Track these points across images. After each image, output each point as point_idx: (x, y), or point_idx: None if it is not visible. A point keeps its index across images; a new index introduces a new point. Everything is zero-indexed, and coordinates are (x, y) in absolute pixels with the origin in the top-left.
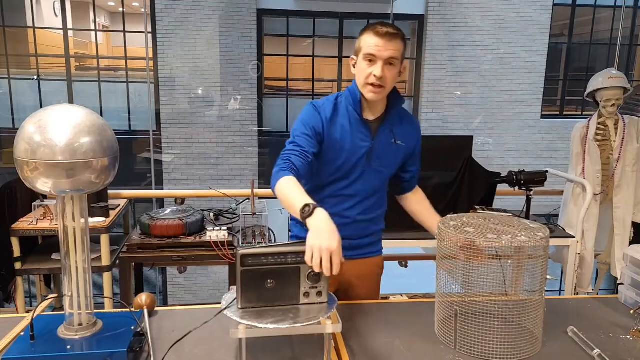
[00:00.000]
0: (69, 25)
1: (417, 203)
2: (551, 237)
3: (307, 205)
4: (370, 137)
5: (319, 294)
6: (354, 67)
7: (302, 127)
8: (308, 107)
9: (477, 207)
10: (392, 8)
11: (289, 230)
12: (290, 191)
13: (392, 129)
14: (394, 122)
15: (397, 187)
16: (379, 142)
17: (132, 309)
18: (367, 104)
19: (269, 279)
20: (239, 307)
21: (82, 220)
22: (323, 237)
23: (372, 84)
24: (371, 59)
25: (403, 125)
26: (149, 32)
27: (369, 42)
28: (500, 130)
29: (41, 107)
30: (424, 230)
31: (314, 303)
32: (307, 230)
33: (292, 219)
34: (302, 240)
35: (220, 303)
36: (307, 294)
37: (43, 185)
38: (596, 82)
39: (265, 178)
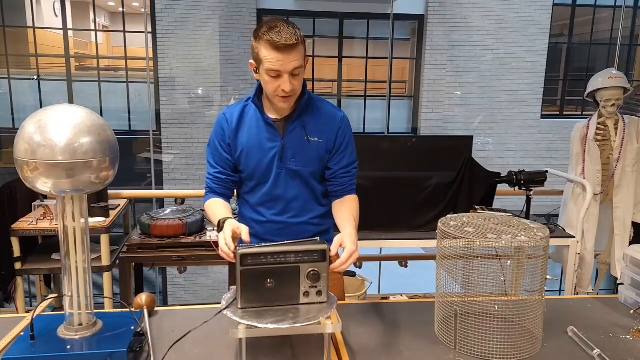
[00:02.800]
0: (69, 25)
1: (337, 211)
2: (551, 237)
3: (219, 221)
4: (279, 137)
5: (319, 293)
6: (256, 73)
7: (210, 149)
8: (218, 119)
9: (477, 207)
10: (392, 8)
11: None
12: (212, 212)
13: (304, 126)
14: (306, 119)
15: (329, 192)
16: (290, 140)
17: (132, 309)
18: (272, 105)
19: (269, 279)
20: (239, 307)
21: (82, 220)
22: (221, 242)
23: (283, 97)
24: (274, 74)
25: (319, 120)
26: (149, 32)
27: (269, 56)
28: (500, 130)
29: (41, 107)
30: (423, 230)
31: (314, 303)
32: (252, 211)
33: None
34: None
35: (220, 303)
36: (307, 294)
37: (43, 185)
38: (596, 82)
39: None
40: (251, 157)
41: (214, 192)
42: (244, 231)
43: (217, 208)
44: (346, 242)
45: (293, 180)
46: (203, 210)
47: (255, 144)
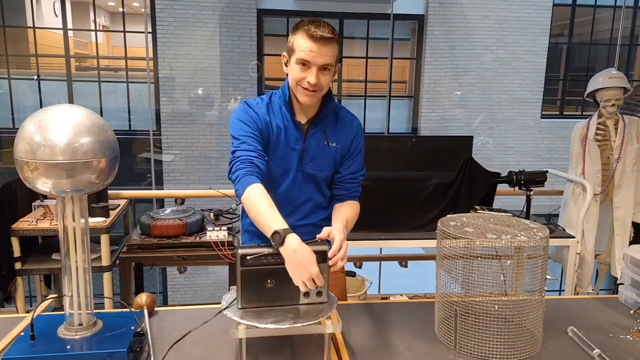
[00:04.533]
0: (69, 25)
1: (334, 212)
2: (551, 237)
3: (276, 232)
4: (301, 139)
5: (319, 294)
6: (286, 66)
7: (245, 127)
8: (243, 106)
9: (477, 207)
10: (392, 8)
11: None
12: (262, 208)
13: (325, 131)
14: (327, 124)
15: (333, 195)
16: (311, 144)
17: (132, 309)
18: (300, 106)
19: (269, 279)
20: (239, 307)
21: (82, 220)
22: (300, 268)
23: (305, 88)
24: (305, 63)
25: (338, 127)
26: (149, 32)
27: (303, 45)
28: (500, 130)
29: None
30: (423, 230)
31: (314, 303)
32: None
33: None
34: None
35: (220, 303)
36: (307, 294)
37: (43, 185)
38: (596, 82)
39: None
40: (277, 151)
41: (260, 173)
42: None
43: (271, 205)
44: (334, 232)
45: (307, 183)
46: (204, 210)
47: (282, 141)
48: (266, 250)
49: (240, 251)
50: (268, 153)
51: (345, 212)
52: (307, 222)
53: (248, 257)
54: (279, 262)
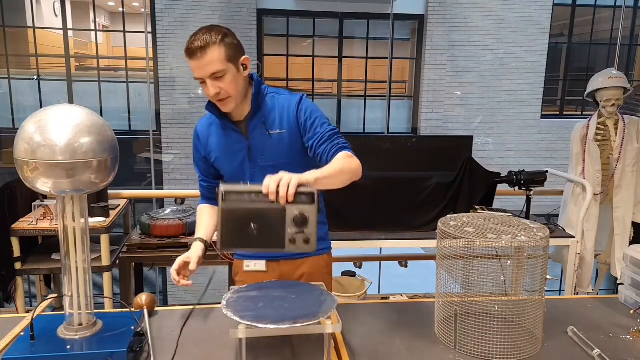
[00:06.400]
0: (69, 25)
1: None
2: (551, 237)
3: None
4: (244, 138)
5: (307, 241)
6: None
7: (194, 157)
8: (194, 133)
9: (477, 207)
10: (392, 8)
11: None
12: (197, 223)
13: (264, 122)
14: (264, 115)
15: (318, 164)
16: (254, 138)
17: (132, 309)
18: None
19: (253, 223)
20: (219, 248)
21: (82, 220)
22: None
23: (217, 100)
24: (200, 80)
25: (276, 112)
26: (149, 32)
27: (189, 65)
28: (500, 130)
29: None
30: (423, 230)
31: (301, 253)
32: None
33: None
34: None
35: (220, 303)
36: (293, 240)
37: (43, 185)
38: (596, 82)
39: None
40: (224, 162)
41: (204, 196)
42: (192, 262)
43: (201, 220)
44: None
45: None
46: None
47: (224, 149)
48: (250, 188)
49: (222, 187)
50: (219, 164)
51: (332, 164)
52: None
53: (230, 192)
54: (263, 201)
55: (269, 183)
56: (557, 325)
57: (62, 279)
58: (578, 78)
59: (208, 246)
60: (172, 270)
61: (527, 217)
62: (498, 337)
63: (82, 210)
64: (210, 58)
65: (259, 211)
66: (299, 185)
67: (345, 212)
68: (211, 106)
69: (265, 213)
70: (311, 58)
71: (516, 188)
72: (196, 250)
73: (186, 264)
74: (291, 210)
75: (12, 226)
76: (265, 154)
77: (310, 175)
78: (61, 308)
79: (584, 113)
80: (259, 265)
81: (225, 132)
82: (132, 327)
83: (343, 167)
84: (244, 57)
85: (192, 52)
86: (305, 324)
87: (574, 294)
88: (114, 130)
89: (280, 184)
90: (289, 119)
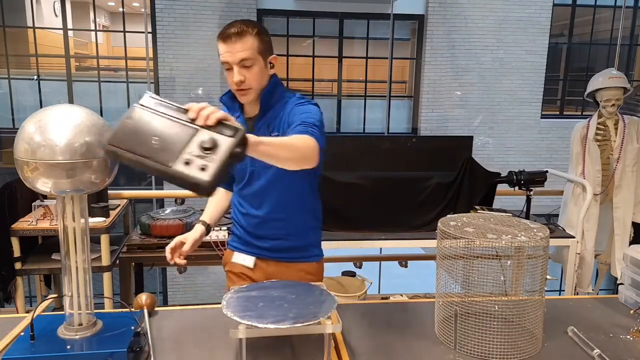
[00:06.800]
0: (69, 25)
1: None
2: (551, 237)
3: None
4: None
5: (204, 168)
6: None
7: None
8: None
9: (477, 207)
10: (392, 8)
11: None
12: (207, 205)
13: (268, 124)
14: (270, 116)
15: None
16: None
17: (132, 309)
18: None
19: (156, 136)
20: (107, 142)
21: (82, 220)
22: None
23: (238, 89)
24: (227, 66)
25: (279, 115)
26: (149, 32)
27: (220, 49)
28: (500, 130)
29: (41, 107)
30: (423, 230)
31: (188, 178)
32: (237, 203)
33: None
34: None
35: (220, 303)
36: (188, 162)
37: (43, 185)
38: (596, 82)
39: None
40: None
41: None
42: (187, 243)
43: (210, 203)
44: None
45: (268, 176)
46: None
47: None
48: (176, 104)
49: (147, 93)
50: None
51: (283, 138)
52: (276, 215)
53: (152, 99)
54: (182, 120)
55: (197, 104)
56: (557, 325)
57: (62, 279)
58: (578, 78)
59: (209, 230)
60: (167, 248)
61: (527, 217)
62: (498, 337)
63: (82, 210)
64: (244, 45)
65: (169, 125)
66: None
67: (345, 212)
68: (228, 97)
69: (175, 128)
70: (311, 58)
71: (516, 188)
72: (194, 233)
73: (182, 244)
74: (204, 133)
75: (12, 226)
76: None
77: (252, 137)
78: (61, 308)
79: (584, 113)
80: (247, 260)
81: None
82: (132, 327)
83: (293, 142)
84: (272, 55)
85: (227, 36)
86: (305, 324)
87: (574, 294)
88: None
89: (206, 109)
90: (283, 122)
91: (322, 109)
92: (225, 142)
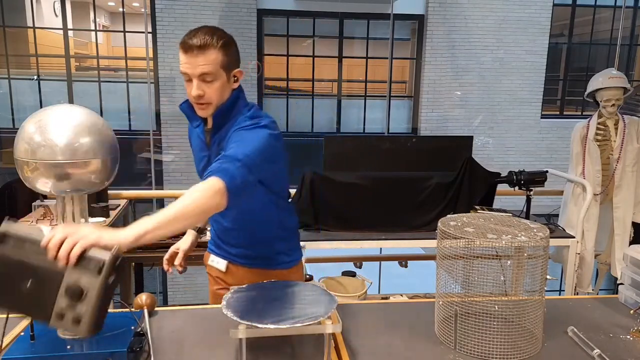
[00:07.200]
0: (69, 25)
1: None
2: (551, 237)
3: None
4: (207, 147)
5: (76, 321)
6: None
7: None
8: None
9: (477, 207)
10: (392, 8)
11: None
12: None
13: (219, 142)
14: (222, 135)
15: None
16: (213, 152)
17: (132, 309)
18: None
19: (29, 279)
20: None
21: (82, 220)
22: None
23: (196, 103)
24: (186, 77)
25: (227, 133)
26: (149, 32)
27: (180, 57)
28: (500, 130)
29: (41, 107)
30: (423, 230)
31: (68, 330)
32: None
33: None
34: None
35: (219, 303)
36: (60, 315)
37: (43, 185)
38: (596, 82)
39: None
40: (196, 163)
41: None
42: (178, 257)
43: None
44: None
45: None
46: None
47: (196, 151)
48: (35, 235)
49: (2, 227)
50: (195, 164)
51: (168, 207)
52: (235, 226)
53: (8, 235)
54: (41, 258)
55: (53, 235)
56: (557, 325)
57: None
58: (578, 78)
59: (203, 231)
60: (164, 259)
61: (527, 217)
62: (498, 337)
63: (82, 210)
64: (205, 59)
65: (35, 268)
66: (96, 247)
67: (345, 212)
68: (188, 106)
69: (42, 271)
70: (311, 58)
71: (516, 188)
72: (186, 242)
73: (176, 253)
74: (70, 276)
75: None
76: None
77: (129, 232)
78: None
79: (584, 113)
80: (220, 264)
81: (200, 133)
82: (132, 327)
83: (186, 207)
84: (238, 69)
85: (188, 47)
86: (305, 324)
87: (574, 294)
88: (114, 130)
89: (66, 239)
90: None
91: (322, 109)
92: (93, 285)
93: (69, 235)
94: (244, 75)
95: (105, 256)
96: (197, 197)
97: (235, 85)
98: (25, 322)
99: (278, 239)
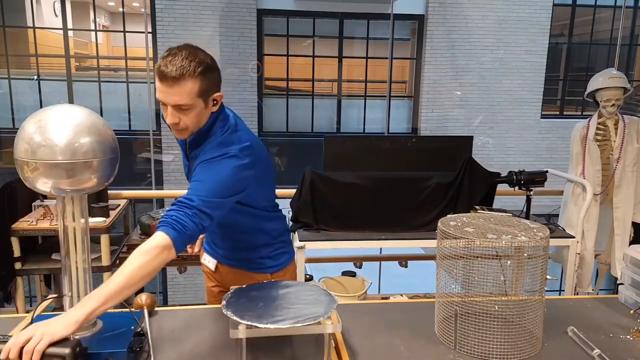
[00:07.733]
0: (69, 25)
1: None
2: (551, 237)
3: None
4: (187, 158)
5: None
6: None
7: None
8: None
9: (477, 207)
10: (392, 8)
11: None
12: None
13: (197, 157)
14: (199, 152)
15: None
16: (192, 164)
17: (132, 309)
18: None
19: None
20: None
21: (82, 220)
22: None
23: (173, 127)
24: (162, 103)
25: (205, 150)
26: (149, 32)
27: (156, 82)
28: (500, 130)
29: (41, 107)
30: (423, 230)
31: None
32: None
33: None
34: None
35: (214, 300)
36: None
37: (43, 185)
38: (596, 82)
39: None
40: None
41: None
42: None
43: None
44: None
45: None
46: None
47: (182, 155)
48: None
49: None
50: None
51: (113, 277)
52: (223, 234)
53: None
54: None
55: (10, 347)
56: (557, 325)
57: (62, 279)
58: (578, 78)
59: None
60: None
61: (527, 217)
62: (498, 337)
63: (82, 210)
64: (181, 90)
65: None
66: (53, 344)
67: (345, 212)
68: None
69: None
70: (311, 58)
71: (516, 188)
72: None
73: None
74: None
75: (12, 226)
76: None
77: (80, 312)
78: (61, 308)
79: (584, 113)
80: (211, 263)
81: (181, 143)
82: (132, 327)
83: (134, 275)
84: (218, 93)
85: (164, 75)
86: (305, 324)
87: (574, 294)
88: (114, 130)
89: (25, 348)
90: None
91: (322, 109)
92: None
93: (23, 343)
94: (224, 98)
95: (65, 349)
96: (143, 261)
97: (215, 109)
98: (25, 322)
99: (264, 246)
